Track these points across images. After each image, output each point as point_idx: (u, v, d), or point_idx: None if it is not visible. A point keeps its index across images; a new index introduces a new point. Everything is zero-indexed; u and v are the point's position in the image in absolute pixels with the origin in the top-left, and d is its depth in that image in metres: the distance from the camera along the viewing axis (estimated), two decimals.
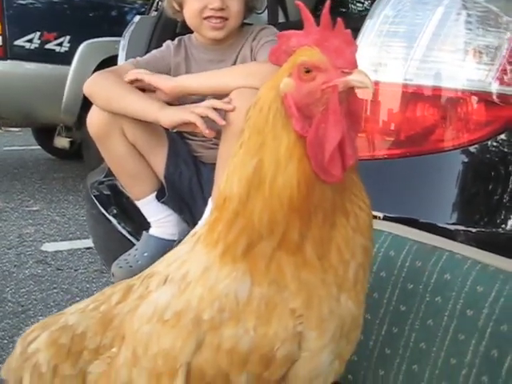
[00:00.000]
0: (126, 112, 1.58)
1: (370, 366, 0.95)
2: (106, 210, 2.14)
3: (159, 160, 1.70)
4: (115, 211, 2.12)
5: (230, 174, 0.72)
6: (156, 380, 0.71)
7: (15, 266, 3.23)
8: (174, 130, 1.68)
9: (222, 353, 0.68)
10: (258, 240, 0.69)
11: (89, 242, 3.61)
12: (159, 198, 1.72)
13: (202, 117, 1.45)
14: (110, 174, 2.44)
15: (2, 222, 3.95)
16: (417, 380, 0.90)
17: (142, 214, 2.01)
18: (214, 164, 1.60)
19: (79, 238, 3.73)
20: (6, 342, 2.42)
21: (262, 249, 0.68)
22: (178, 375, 0.69)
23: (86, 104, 1.78)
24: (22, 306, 2.74)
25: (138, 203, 1.76)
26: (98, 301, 0.83)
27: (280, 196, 0.67)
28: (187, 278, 0.72)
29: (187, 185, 1.70)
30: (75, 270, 3.21)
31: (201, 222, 1.53)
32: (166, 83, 1.56)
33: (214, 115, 1.46)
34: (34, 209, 4.29)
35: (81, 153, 4.78)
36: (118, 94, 1.58)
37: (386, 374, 0.93)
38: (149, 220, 1.77)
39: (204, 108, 1.48)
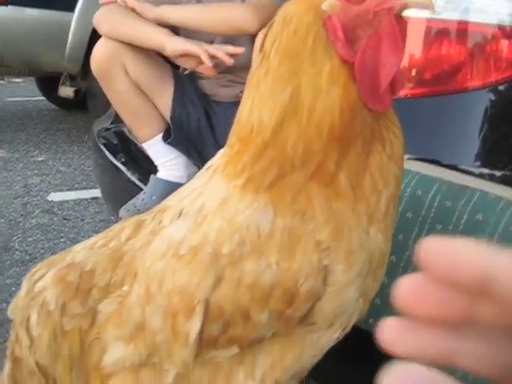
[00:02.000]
0: (133, 36, 1.54)
1: (393, 310, 0.91)
2: (114, 157, 2.09)
3: (164, 100, 1.64)
4: (123, 158, 2.08)
5: (256, 104, 0.66)
6: (172, 318, 0.67)
7: (22, 215, 3.21)
8: (186, 73, 1.62)
9: (243, 288, 0.63)
10: (290, 171, 0.64)
11: (95, 192, 3.58)
12: (166, 139, 1.67)
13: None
14: (116, 120, 2.39)
15: (7, 172, 3.91)
16: None
17: (150, 160, 1.97)
18: (229, 103, 1.54)
19: (85, 188, 3.70)
20: (14, 289, 2.41)
21: (292, 180, 0.63)
22: (196, 312, 0.65)
23: (91, 52, 1.73)
24: (30, 254, 2.73)
25: (145, 145, 1.71)
26: (106, 237, 0.78)
27: (319, 124, 0.62)
28: (204, 211, 0.67)
29: (195, 126, 1.64)
30: (82, 220, 3.19)
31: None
32: (149, 11, 1.54)
33: (223, 55, 1.44)
34: (40, 159, 4.25)
35: (85, 103, 4.70)
36: (127, 19, 1.56)
37: None
38: (156, 163, 1.72)
39: (215, 48, 1.44)
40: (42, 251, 2.77)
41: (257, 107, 0.66)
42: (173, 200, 0.74)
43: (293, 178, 0.63)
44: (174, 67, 1.71)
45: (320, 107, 0.62)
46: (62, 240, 2.92)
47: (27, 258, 2.69)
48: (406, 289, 0.28)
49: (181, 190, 0.76)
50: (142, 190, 1.80)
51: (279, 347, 0.68)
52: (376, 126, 0.64)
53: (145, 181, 1.86)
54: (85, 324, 0.73)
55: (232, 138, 0.70)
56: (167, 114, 1.67)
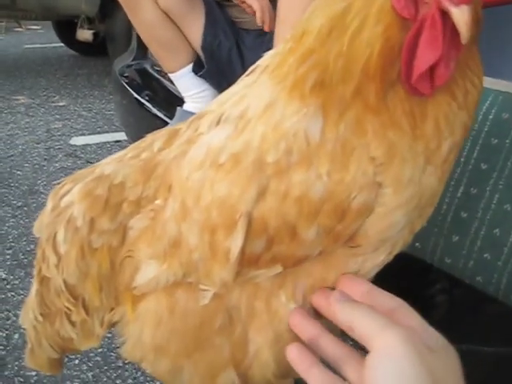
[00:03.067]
0: None
1: (441, 231, 0.86)
2: (138, 94, 2.04)
3: (195, 29, 1.56)
4: (147, 94, 2.02)
5: (316, 8, 0.59)
6: (210, 234, 0.61)
7: (45, 159, 3.19)
8: None
9: (290, 201, 0.57)
10: (331, 82, 0.57)
11: (118, 136, 3.55)
12: (196, 71, 1.60)
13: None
14: (138, 57, 2.32)
15: (29, 118, 3.89)
16: (499, 245, 0.81)
17: (175, 95, 1.91)
18: (258, 30, 1.47)
19: (107, 132, 3.66)
20: None
21: (336, 91, 0.57)
22: (237, 227, 0.59)
23: None
24: None
25: (173, 76, 1.64)
26: (137, 148, 0.71)
27: (357, 53, 0.56)
28: (246, 116, 0.61)
29: (226, 56, 1.56)
30: None
31: None
32: None
33: (267, 22, 1.47)
34: (61, 104, 4.20)
35: (104, 48, 4.62)
36: None
37: (461, 239, 0.83)
38: (184, 95, 1.65)
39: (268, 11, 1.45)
40: None
41: (316, 11, 0.59)
42: (212, 105, 0.67)
43: (336, 89, 0.57)
44: None
45: (361, 38, 0.55)
46: None
47: None
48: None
49: (222, 94, 0.69)
50: (167, 124, 1.75)
51: (320, 268, 0.63)
52: None
53: (171, 116, 1.80)
54: (114, 241, 0.68)
55: (290, 35, 0.63)
56: (198, 43, 1.60)
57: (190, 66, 1.60)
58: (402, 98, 0.57)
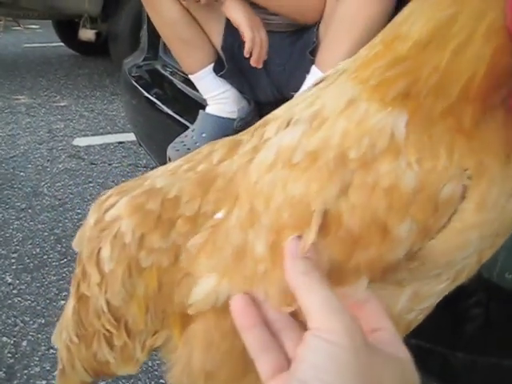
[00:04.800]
0: None
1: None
2: (149, 94, 1.99)
3: (216, 28, 1.51)
4: (158, 95, 1.97)
5: (413, 13, 0.54)
6: (276, 236, 0.54)
7: (48, 160, 3.14)
8: None
9: (379, 193, 0.51)
10: (419, 95, 0.52)
11: (121, 137, 3.50)
12: (217, 71, 1.55)
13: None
14: (149, 57, 2.28)
15: (30, 118, 3.83)
16: None
17: (188, 97, 1.86)
18: (284, 32, 1.42)
19: (110, 133, 3.61)
20: (46, 234, 2.35)
21: (423, 105, 0.52)
22: (312, 224, 0.51)
23: None
24: (59, 199, 2.67)
25: (193, 77, 1.59)
26: (192, 160, 0.64)
27: (458, 70, 0.51)
28: (322, 115, 0.55)
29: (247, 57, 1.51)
30: (109, 164, 3.11)
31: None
32: None
33: (257, 57, 1.40)
34: (62, 104, 4.15)
35: (105, 49, 4.57)
36: None
37: None
38: (205, 96, 1.60)
39: (259, 44, 1.39)
40: (71, 196, 2.70)
41: (413, 16, 0.54)
42: (277, 112, 0.61)
43: (424, 105, 0.52)
44: None
45: (465, 55, 0.50)
46: (90, 185, 2.85)
47: (57, 203, 2.63)
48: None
49: (289, 101, 0.63)
50: (180, 125, 1.70)
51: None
52: None
53: (182, 115, 1.76)
54: (165, 261, 0.61)
55: (376, 39, 0.58)
56: (219, 43, 1.55)
57: (211, 66, 1.55)
58: (498, 125, 0.52)
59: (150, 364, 1.67)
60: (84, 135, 3.56)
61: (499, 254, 0.69)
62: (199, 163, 0.63)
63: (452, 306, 1.05)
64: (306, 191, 0.52)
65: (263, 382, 0.52)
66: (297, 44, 1.45)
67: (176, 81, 2.00)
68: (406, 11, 0.56)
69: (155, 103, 1.91)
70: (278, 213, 0.54)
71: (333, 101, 0.56)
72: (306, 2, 1.38)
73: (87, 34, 4.69)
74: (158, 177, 0.65)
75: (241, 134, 0.64)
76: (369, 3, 1.16)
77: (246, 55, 1.40)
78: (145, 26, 2.29)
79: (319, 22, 1.38)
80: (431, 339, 1.08)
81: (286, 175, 0.54)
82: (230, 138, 0.65)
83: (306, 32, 1.42)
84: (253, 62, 1.41)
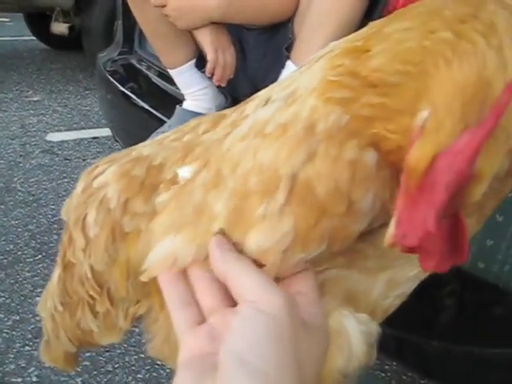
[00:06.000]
0: None
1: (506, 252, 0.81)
2: (124, 88, 1.98)
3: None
4: (134, 89, 1.96)
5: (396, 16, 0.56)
6: (240, 200, 0.55)
7: (21, 155, 3.10)
8: None
9: (342, 164, 0.52)
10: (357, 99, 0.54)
11: (95, 132, 3.47)
12: (199, 67, 1.55)
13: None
14: (124, 51, 2.26)
15: (2, 113, 3.77)
16: None
17: (164, 92, 1.86)
18: (259, 29, 1.43)
19: (84, 128, 3.58)
20: (20, 230, 2.33)
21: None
22: (279, 189, 0.53)
23: None
24: (33, 195, 2.64)
25: (173, 72, 1.59)
26: (180, 131, 0.67)
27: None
28: (297, 93, 0.57)
29: None
30: (83, 160, 3.09)
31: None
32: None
33: (218, 77, 1.46)
34: (35, 99, 4.10)
35: (78, 43, 4.51)
36: None
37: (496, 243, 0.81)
38: (184, 92, 1.60)
39: (221, 65, 1.44)
40: (45, 191, 2.68)
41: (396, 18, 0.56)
42: (259, 94, 0.63)
43: None
44: None
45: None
46: (65, 180, 2.82)
47: (30, 198, 2.60)
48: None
49: (272, 84, 0.65)
50: (156, 120, 1.70)
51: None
52: None
53: (158, 109, 1.76)
54: (144, 225, 0.62)
55: (359, 34, 0.59)
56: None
57: (193, 61, 1.56)
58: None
59: (127, 359, 1.67)
60: (57, 130, 3.52)
61: (472, 243, 0.71)
62: (185, 134, 0.65)
63: (426, 296, 1.08)
64: (275, 158, 0.54)
65: (179, 334, 0.53)
66: (272, 40, 1.46)
67: (152, 75, 1.99)
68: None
69: (131, 97, 1.90)
70: (245, 178, 0.55)
71: (308, 80, 0.57)
72: (276, 7, 1.41)
73: (60, 27, 4.62)
74: (146, 146, 0.67)
75: (226, 109, 0.67)
76: None
77: (208, 75, 1.46)
78: (120, 20, 2.28)
79: (294, 18, 1.39)
80: (406, 328, 1.10)
81: (257, 144, 0.55)
82: (216, 112, 0.67)
83: (282, 28, 1.43)
84: (215, 82, 1.47)
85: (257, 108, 0.60)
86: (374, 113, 0.53)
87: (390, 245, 0.48)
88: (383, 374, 1.71)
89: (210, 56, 1.41)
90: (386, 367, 1.73)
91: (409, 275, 0.60)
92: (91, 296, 0.67)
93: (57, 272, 0.69)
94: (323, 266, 0.58)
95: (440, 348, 1.15)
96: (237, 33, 1.55)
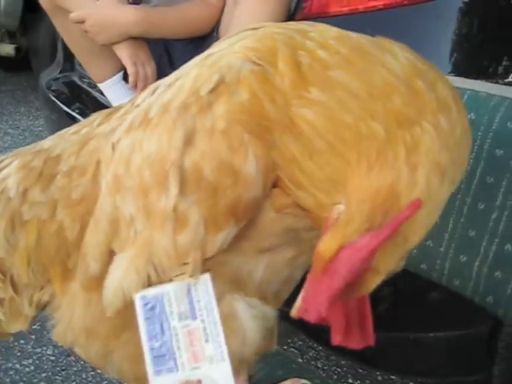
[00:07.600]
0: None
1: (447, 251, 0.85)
2: (68, 108, 1.99)
3: None
4: (78, 107, 1.97)
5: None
6: (143, 197, 0.57)
7: None
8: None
9: (218, 135, 0.54)
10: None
11: None
12: (127, 80, 1.57)
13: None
14: (65, 69, 2.26)
15: None
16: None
17: (106, 107, 1.87)
18: (189, 38, 1.46)
19: None
20: None
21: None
22: (169, 180, 0.54)
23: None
24: None
25: (101, 86, 1.61)
26: (80, 125, 0.72)
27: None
28: (179, 74, 0.61)
29: (156, 64, 1.54)
30: None
31: None
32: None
33: (140, 84, 1.50)
34: None
35: (27, 63, 4.46)
36: None
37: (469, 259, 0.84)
38: (114, 105, 1.62)
39: (147, 74, 1.49)
40: None
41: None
42: (152, 84, 0.68)
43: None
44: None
45: None
46: None
47: None
48: None
49: None
50: None
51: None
52: None
53: None
54: (44, 214, 0.66)
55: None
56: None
57: (120, 74, 1.58)
58: None
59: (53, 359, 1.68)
60: (10, 152, 3.48)
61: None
62: (83, 127, 0.70)
63: None
64: (159, 146, 0.56)
65: None
66: (201, 49, 1.49)
67: (94, 91, 2.00)
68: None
69: (74, 117, 1.91)
70: (140, 174, 0.57)
71: (191, 63, 0.62)
72: (194, 23, 1.45)
73: (6, 49, 4.55)
74: (48, 140, 0.72)
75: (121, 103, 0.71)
76: (264, 5, 1.22)
77: (131, 88, 1.50)
78: (60, 39, 2.28)
79: (218, 27, 1.42)
80: None
81: (141, 135, 0.58)
82: (112, 107, 0.72)
83: (208, 37, 1.46)
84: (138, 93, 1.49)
85: (146, 97, 0.63)
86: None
87: (296, 317, 0.53)
88: (339, 370, 1.75)
89: (129, 70, 1.45)
90: (343, 362, 1.77)
91: (286, 257, 0.63)
92: None
93: None
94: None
95: (381, 337, 1.19)
96: (165, 42, 1.58)
